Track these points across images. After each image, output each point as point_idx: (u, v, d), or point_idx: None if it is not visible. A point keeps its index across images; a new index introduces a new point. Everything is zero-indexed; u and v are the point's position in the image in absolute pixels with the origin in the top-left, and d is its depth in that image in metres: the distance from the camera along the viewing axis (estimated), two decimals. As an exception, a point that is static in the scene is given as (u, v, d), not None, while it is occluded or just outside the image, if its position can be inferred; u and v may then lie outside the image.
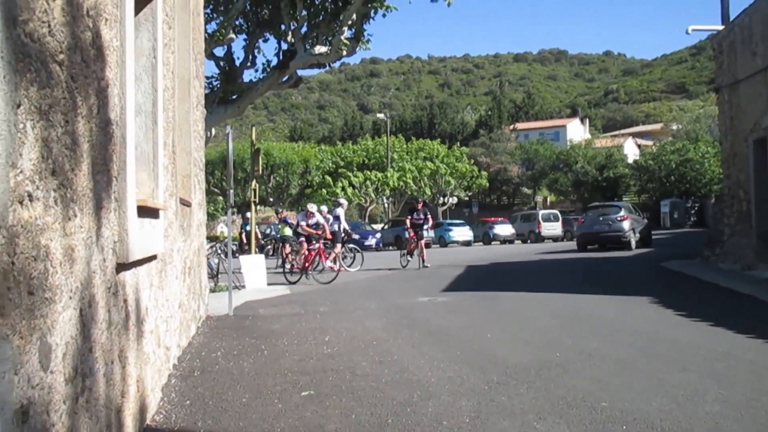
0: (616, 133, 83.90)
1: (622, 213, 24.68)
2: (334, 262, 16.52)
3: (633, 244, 24.08)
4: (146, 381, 4.40)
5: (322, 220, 16.57)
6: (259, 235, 25.52)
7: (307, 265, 15.86)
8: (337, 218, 18.01)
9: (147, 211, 4.31)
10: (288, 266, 16.64)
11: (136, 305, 4.05)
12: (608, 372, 5.58)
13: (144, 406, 4.30)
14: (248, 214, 25.58)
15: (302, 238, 16.22)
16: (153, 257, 4.72)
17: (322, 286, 14.33)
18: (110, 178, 3.36)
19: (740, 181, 14.67)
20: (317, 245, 15.95)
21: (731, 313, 8.88)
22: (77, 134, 2.73)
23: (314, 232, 16.07)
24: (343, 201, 20.42)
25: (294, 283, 15.35)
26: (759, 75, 13.38)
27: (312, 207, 17.01)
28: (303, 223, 16.30)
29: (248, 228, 23.60)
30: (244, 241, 24.80)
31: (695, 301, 10.23)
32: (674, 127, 67.54)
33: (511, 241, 39.85)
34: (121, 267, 3.58)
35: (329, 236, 16.65)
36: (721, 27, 16.11)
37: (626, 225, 24.12)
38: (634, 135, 78.89)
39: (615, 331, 7.69)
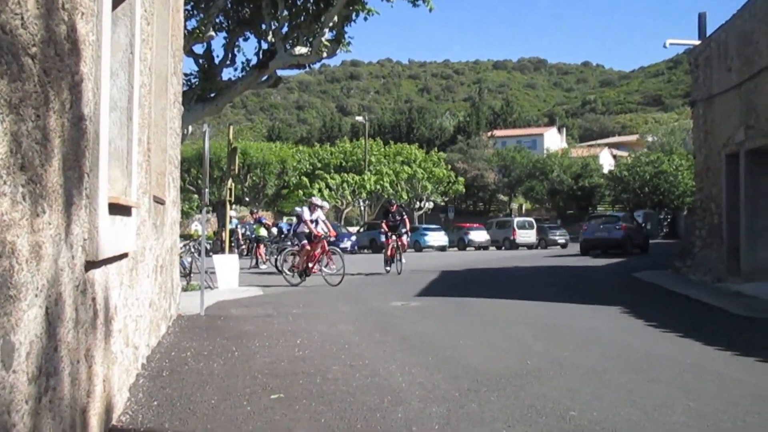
0: (593, 143, 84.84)
1: (620, 222, 28.19)
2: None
3: (630, 249, 27.14)
4: (113, 381, 4.33)
5: (323, 217, 15.73)
6: (240, 236, 25.08)
7: (311, 265, 15.04)
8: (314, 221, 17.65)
9: (119, 209, 4.25)
10: (287, 266, 15.62)
11: (104, 304, 3.99)
12: (578, 381, 5.60)
13: (110, 406, 4.23)
14: (232, 213, 25.40)
15: (305, 240, 15.13)
16: (124, 255, 4.65)
17: (293, 288, 14.25)
18: (82, 174, 3.31)
19: (713, 194, 14.88)
20: (320, 243, 14.98)
21: (701, 324, 8.99)
22: (48, 129, 2.68)
23: (316, 233, 14.95)
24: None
25: (296, 285, 14.70)
26: (733, 90, 13.58)
27: (316, 200, 16.12)
28: (307, 218, 15.17)
29: (232, 227, 23.42)
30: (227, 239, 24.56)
31: (666, 311, 10.33)
32: (649, 139, 68.41)
33: (485, 248, 40.04)
34: (91, 265, 3.52)
35: (333, 233, 15.85)
36: (698, 42, 16.33)
37: (624, 233, 27.34)
38: (610, 146, 79.86)
39: (586, 341, 7.74)
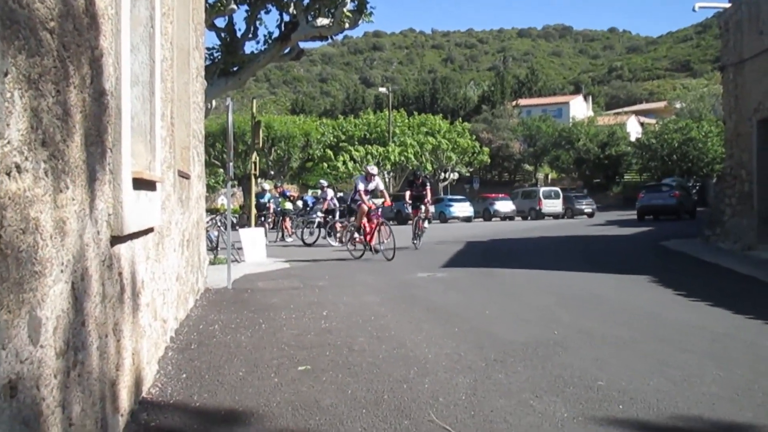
0: (619, 110, 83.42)
1: (674, 191, 31.79)
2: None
3: (681, 214, 30.35)
4: (142, 354, 4.38)
5: (382, 186, 15.20)
6: (271, 209, 24.68)
7: (369, 238, 14.50)
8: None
9: (143, 183, 4.26)
10: (346, 239, 15.22)
11: (131, 278, 4.02)
12: (606, 351, 5.56)
13: (139, 379, 4.28)
14: (266, 185, 25.11)
15: (361, 203, 14.58)
16: (150, 230, 4.67)
17: (320, 261, 14.30)
18: (104, 149, 3.31)
19: (743, 161, 14.60)
20: (374, 215, 14.45)
21: (731, 293, 8.87)
22: (69, 104, 2.67)
23: (369, 204, 14.42)
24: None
25: (359, 258, 14.34)
26: (765, 54, 13.25)
27: (372, 168, 15.45)
28: (361, 188, 14.63)
29: (261, 200, 23.27)
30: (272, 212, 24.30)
31: (695, 280, 10.21)
32: (678, 106, 67.20)
33: (511, 218, 39.86)
34: (116, 240, 3.53)
35: (388, 203, 15.39)
36: (728, 5, 15.91)
37: (677, 200, 30.83)
38: (637, 113, 78.54)
39: (614, 310, 7.68)
